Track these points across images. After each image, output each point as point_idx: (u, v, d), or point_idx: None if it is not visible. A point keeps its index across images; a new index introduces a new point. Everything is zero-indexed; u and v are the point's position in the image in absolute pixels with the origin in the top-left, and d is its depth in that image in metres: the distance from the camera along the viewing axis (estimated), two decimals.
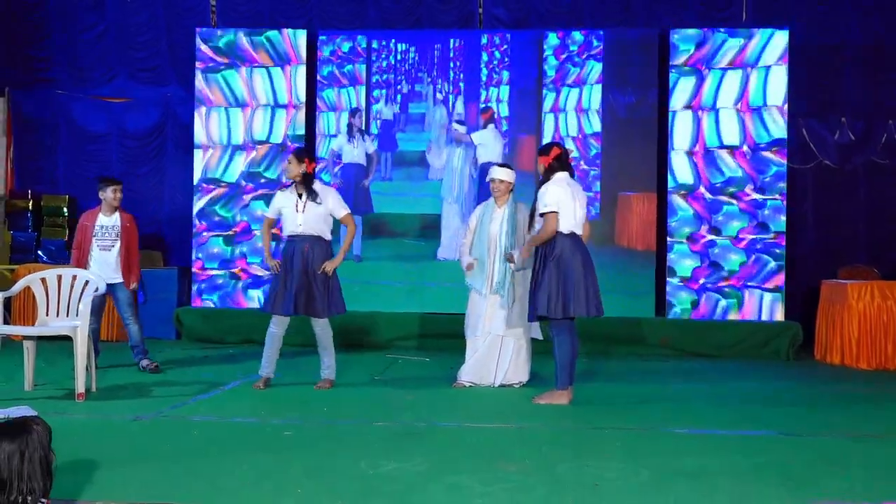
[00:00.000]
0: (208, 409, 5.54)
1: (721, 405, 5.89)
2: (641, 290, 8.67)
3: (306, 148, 8.61)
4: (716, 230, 8.61)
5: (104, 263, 6.87)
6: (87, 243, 6.89)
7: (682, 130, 8.68)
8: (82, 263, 6.83)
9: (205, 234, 9.04)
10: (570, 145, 8.76)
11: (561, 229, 5.63)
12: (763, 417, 5.49)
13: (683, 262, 8.63)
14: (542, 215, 5.67)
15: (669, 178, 8.66)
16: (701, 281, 8.61)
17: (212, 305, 9.00)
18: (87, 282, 5.94)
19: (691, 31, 8.70)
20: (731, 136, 8.62)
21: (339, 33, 9.22)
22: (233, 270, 9.02)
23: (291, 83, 9.03)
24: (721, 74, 8.63)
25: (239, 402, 5.82)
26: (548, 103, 8.95)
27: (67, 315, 5.94)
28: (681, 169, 8.67)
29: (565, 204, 5.64)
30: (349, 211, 6.27)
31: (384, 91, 9.16)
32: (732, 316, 8.55)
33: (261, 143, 9.05)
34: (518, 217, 6.30)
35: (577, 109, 8.90)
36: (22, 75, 9.83)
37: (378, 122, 9.17)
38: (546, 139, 8.73)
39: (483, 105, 9.05)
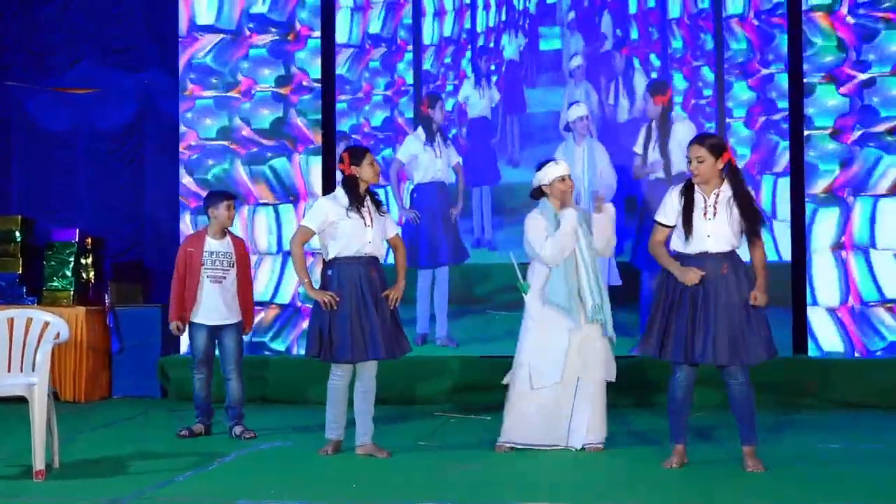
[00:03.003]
0: (203, 489, 5.55)
1: (887, 474, 5.74)
2: (774, 320, 8.50)
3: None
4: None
5: (215, 299, 6.93)
6: (196, 275, 6.93)
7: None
8: (190, 300, 6.91)
9: None
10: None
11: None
12: None
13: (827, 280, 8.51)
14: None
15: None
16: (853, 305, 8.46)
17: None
18: (46, 324, 6.00)
19: None
20: None
21: None
22: None
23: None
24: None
25: (242, 478, 5.83)
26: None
27: (22, 370, 6.00)
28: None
29: None
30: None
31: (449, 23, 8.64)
32: None
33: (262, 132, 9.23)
34: (585, 217, 6.36)
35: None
36: None
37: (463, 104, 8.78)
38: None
39: (653, 79, 8.74)
